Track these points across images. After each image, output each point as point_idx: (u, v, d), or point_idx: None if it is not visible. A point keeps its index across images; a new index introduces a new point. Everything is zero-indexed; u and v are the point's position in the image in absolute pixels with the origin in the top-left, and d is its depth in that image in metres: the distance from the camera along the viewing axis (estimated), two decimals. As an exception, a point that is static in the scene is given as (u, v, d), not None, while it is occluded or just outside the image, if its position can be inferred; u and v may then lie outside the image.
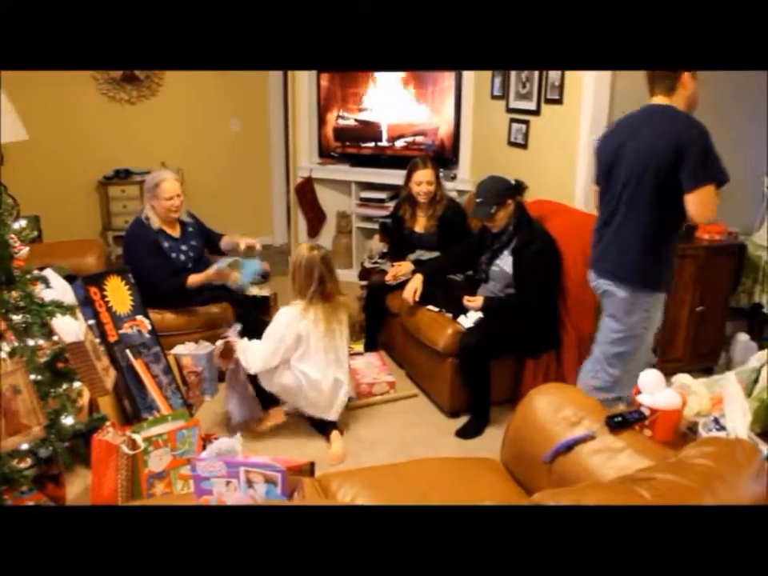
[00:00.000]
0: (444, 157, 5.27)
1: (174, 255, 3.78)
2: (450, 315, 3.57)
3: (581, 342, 3.51)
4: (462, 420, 3.47)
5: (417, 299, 3.68)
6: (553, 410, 2.17)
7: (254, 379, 3.22)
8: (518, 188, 3.47)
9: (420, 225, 4.20)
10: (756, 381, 2.24)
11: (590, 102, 3.85)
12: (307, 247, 3.23)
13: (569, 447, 2.02)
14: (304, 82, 5.71)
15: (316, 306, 3.18)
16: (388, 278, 4.01)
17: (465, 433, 3.36)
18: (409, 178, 4.10)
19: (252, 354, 3.14)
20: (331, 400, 3.28)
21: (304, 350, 3.19)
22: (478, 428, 3.38)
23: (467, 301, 3.45)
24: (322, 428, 3.33)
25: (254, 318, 3.72)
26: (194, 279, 3.70)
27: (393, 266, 4.10)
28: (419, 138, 5.38)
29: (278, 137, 6.76)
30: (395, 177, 5.08)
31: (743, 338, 4.19)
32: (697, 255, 3.82)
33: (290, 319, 3.15)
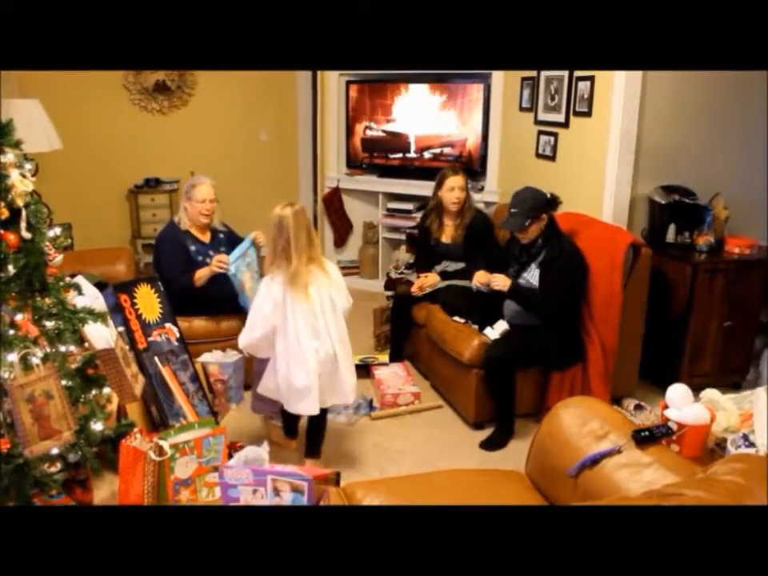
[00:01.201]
0: (471, 168, 5.28)
1: (200, 258, 3.81)
2: (476, 327, 3.57)
3: (606, 355, 3.49)
4: (487, 432, 3.46)
5: (421, 292, 4.00)
6: (579, 423, 2.15)
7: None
8: (554, 202, 3.46)
9: (447, 235, 4.18)
10: (786, 397, 2.22)
11: (620, 114, 3.84)
12: (281, 205, 2.89)
13: (595, 461, 2.01)
14: (333, 92, 5.76)
15: (290, 266, 2.83)
16: (414, 289, 4.03)
17: (489, 445, 3.35)
18: (440, 185, 4.10)
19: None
20: (334, 379, 2.95)
21: (282, 318, 2.85)
22: (503, 440, 3.36)
23: (494, 279, 3.45)
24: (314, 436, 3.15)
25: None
26: (201, 273, 3.68)
27: (419, 277, 4.11)
28: (447, 150, 5.39)
29: (306, 147, 6.81)
30: (422, 188, 5.11)
31: (773, 353, 4.14)
32: (726, 269, 3.79)
33: (265, 285, 2.89)
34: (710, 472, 1.55)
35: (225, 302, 3.79)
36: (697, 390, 3.80)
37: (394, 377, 3.91)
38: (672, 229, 3.89)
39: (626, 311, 3.51)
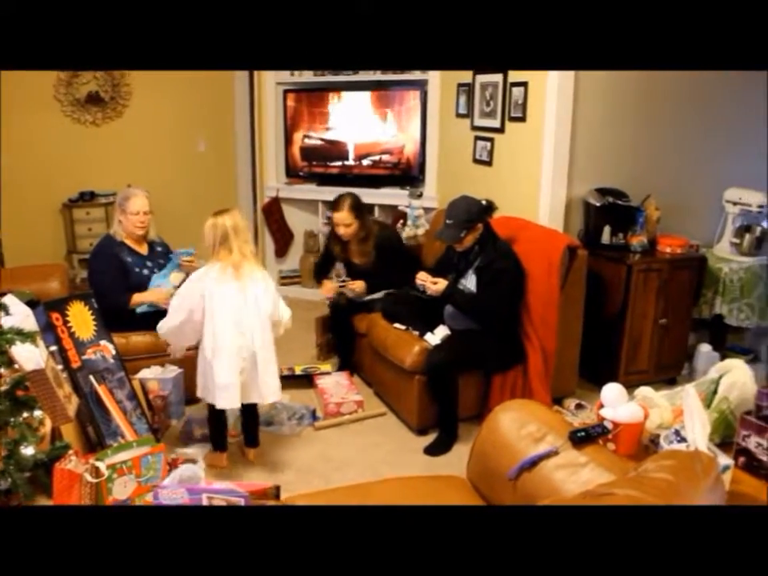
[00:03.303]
0: (410, 175, 5.31)
1: (137, 270, 3.74)
2: (416, 333, 3.58)
3: (546, 356, 3.54)
4: (431, 437, 3.47)
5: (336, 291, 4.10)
6: (517, 426, 2.17)
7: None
8: (489, 209, 3.48)
9: (356, 256, 4.20)
10: (715, 392, 2.28)
11: (553, 119, 3.90)
12: (215, 212, 3.15)
13: (533, 463, 2.03)
14: (270, 101, 5.72)
15: (219, 266, 2.98)
16: (323, 291, 4.18)
17: (433, 450, 3.36)
18: (331, 218, 4.19)
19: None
20: (255, 378, 3.02)
21: (209, 314, 2.95)
22: (447, 445, 3.37)
23: (431, 282, 3.45)
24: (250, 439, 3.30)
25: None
26: (138, 298, 3.65)
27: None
28: (385, 157, 5.41)
29: (245, 157, 6.74)
30: (362, 196, 5.09)
31: (705, 348, 4.25)
32: (660, 269, 3.88)
33: (195, 278, 3.02)
34: (641, 470, 1.58)
35: (163, 316, 3.72)
36: (634, 386, 3.85)
37: (337, 386, 3.89)
38: (607, 230, 3.97)
39: (564, 312, 3.57)
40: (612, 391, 2.23)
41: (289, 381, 4.02)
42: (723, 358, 4.46)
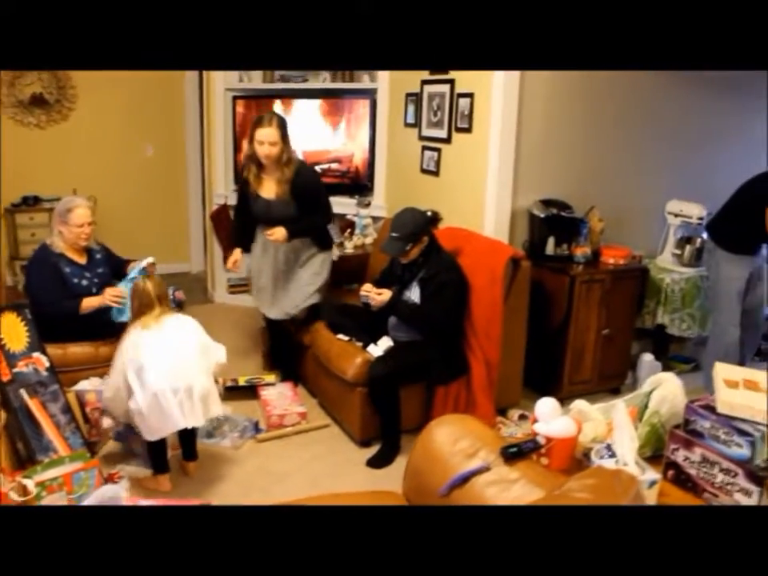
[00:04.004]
0: (359, 183, 5.29)
1: (75, 281, 3.66)
2: (360, 344, 3.56)
3: (490, 367, 3.54)
4: (374, 449, 3.45)
5: (237, 268, 3.94)
6: (450, 441, 2.16)
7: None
8: (434, 221, 3.49)
9: (269, 190, 3.82)
10: (647, 406, 2.30)
11: (498, 130, 3.92)
12: (144, 277, 3.27)
13: (465, 479, 2.02)
14: (219, 107, 5.66)
15: (143, 321, 3.01)
16: (229, 265, 3.97)
17: (375, 462, 3.34)
18: (251, 136, 3.71)
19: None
20: (192, 406, 2.97)
21: (142, 362, 2.91)
22: (389, 457, 3.36)
23: (375, 294, 3.42)
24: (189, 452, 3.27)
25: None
26: (88, 302, 3.57)
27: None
28: (335, 165, 5.38)
29: (195, 163, 6.67)
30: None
31: (648, 357, 4.31)
32: (602, 279, 3.92)
33: (126, 339, 3.02)
34: (565, 488, 1.58)
35: (104, 326, 3.65)
36: (577, 396, 3.90)
37: (281, 397, 3.85)
38: (551, 241, 4.00)
39: (508, 323, 3.59)
40: (545, 406, 2.23)
41: (233, 392, 3.98)
42: (666, 367, 4.56)
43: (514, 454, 2.02)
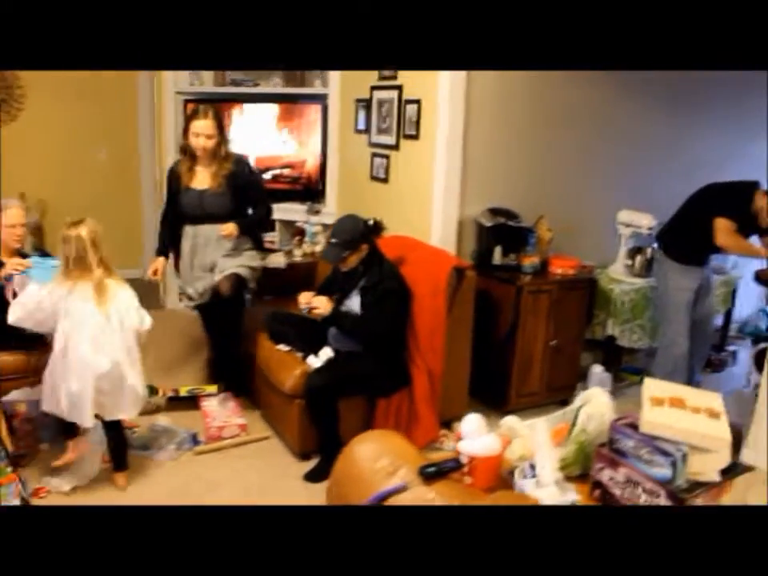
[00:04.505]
0: (311, 190, 5.21)
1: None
2: (300, 355, 3.47)
3: (433, 379, 3.48)
4: (314, 462, 3.36)
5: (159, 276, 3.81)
6: (371, 458, 2.09)
7: None
8: (375, 229, 3.41)
9: (202, 182, 3.68)
10: (576, 423, 2.24)
11: (445, 137, 3.87)
12: (69, 223, 2.98)
13: (381, 499, 1.94)
14: (170, 111, 5.55)
15: (77, 281, 2.88)
16: (150, 273, 3.82)
17: (313, 476, 3.25)
18: (187, 128, 3.64)
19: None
20: (114, 394, 2.95)
21: (63, 331, 2.87)
22: (326, 471, 3.23)
23: (315, 303, 3.34)
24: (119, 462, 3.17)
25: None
26: None
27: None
28: (286, 171, 5.30)
29: (149, 166, 6.54)
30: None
31: (598, 369, 4.27)
32: (550, 290, 3.87)
33: (52, 284, 2.89)
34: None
35: (37, 336, 3.52)
36: (526, 408, 3.89)
37: (222, 408, 3.75)
38: (498, 251, 3.94)
39: (453, 334, 3.53)
40: (470, 423, 2.17)
41: (174, 403, 3.88)
42: (617, 378, 4.53)
43: (432, 474, 1.95)
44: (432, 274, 3.44)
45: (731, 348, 5.16)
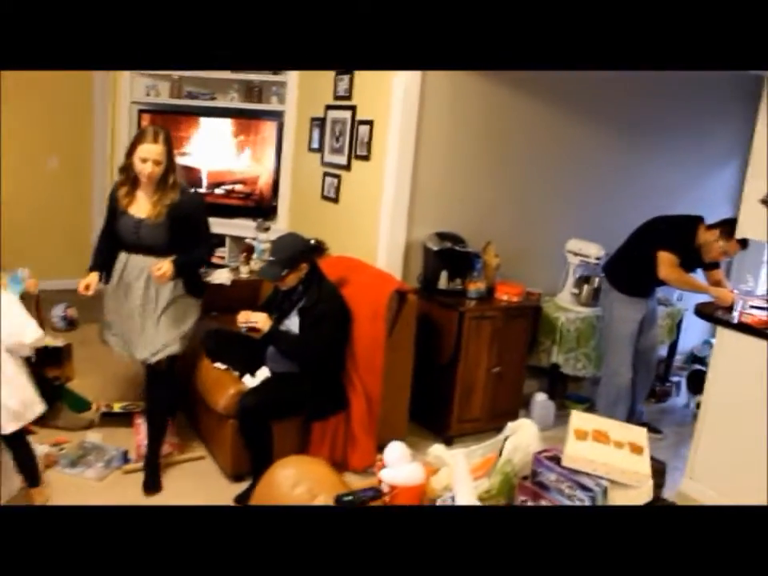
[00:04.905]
0: (263, 206, 5.16)
1: None
2: (237, 374, 3.41)
3: (371, 403, 3.43)
4: (246, 484, 3.29)
5: (88, 292, 3.26)
6: (291, 484, 2.03)
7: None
8: (316, 250, 3.37)
9: (140, 209, 3.26)
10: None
11: (395, 159, 3.85)
12: None
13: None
14: (124, 121, 5.48)
15: None
16: (81, 289, 3.29)
17: (244, 499, 3.17)
18: (132, 150, 3.19)
19: None
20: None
21: None
22: (258, 495, 3.20)
23: (253, 319, 3.26)
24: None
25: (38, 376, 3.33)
26: None
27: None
28: (239, 187, 5.25)
29: (101, 177, 6.43)
30: (213, 226, 4.90)
31: (541, 397, 4.26)
32: (493, 316, 3.86)
33: None
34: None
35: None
36: (467, 434, 3.86)
37: (155, 426, 3.65)
38: (444, 275, 3.93)
39: (393, 358, 3.49)
40: (394, 451, 2.12)
41: (107, 419, 3.78)
42: (561, 406, 4.53)
43: (349, 502, 1.90)
44: (373, 297, 3.41)
45: (675, 379, 5.20)
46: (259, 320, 3.27)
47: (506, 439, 2.23)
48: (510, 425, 2.33)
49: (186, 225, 3.27)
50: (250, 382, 3.31)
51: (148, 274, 3.24)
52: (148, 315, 3.29)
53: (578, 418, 2.15)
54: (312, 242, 3.34)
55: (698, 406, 3.94)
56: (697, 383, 4.75)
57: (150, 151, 3.16)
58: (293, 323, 3.32)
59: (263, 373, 3.37)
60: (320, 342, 3.25)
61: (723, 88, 5.00)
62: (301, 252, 3.24)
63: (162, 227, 3.23)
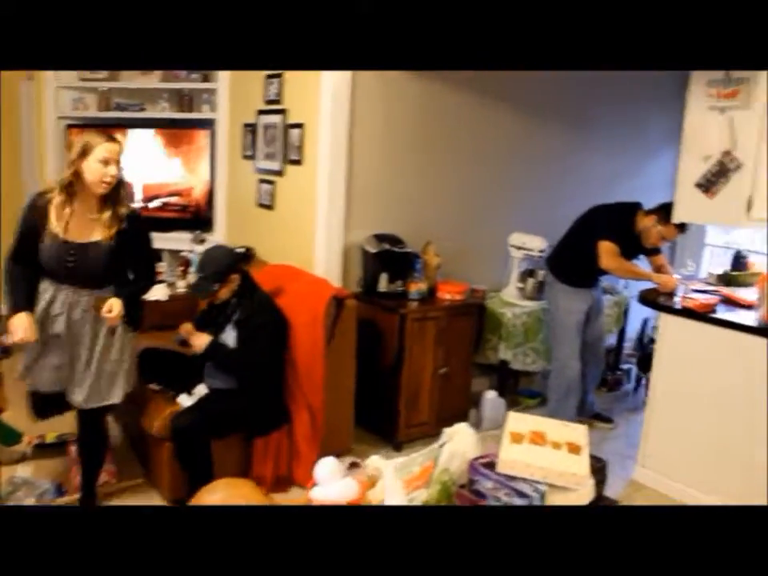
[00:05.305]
0: (200, 218, 5.02)
1: None
2: (172, 393, 3.28)
3: (314, 413, 3.34)
4: (189, 509, 3.16)
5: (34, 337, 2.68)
6: (217, 511, 1.93)
7: None
8: (245, 258, 3.26)
9: (81, 232, 2.69)
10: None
11: (328, 161, 3.76)
12: None
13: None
14: (50, 136, 5.29)
15: None
16: (15, 340, 2.72)
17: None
18: (85, 153, 2.61)
19: None
20: None
21: None
22: (199, 518, 3.07)
23: (191, 335, 3.15)
24: None
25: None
26: None
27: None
28: (174, 199, 5.10)
29: (31, 193, 6.20)
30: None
31: (491, 395, 4.20)
32: (436, 317, 3.78)
33: None
34: None
35: None
36: (417, 439, 3.78)
37: (92, 454, 3.50)
38: (384, 278, 3.84)
39: (335, 366, 3.40)
40: (324, 468, 2.03)
41: (41, 451, 3.61)
42: (513, 402, 4.48)
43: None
44: (310, 305, 3.31)
45: (626, 367, 5.18)
46: (197, 341, 3.15)
47: (441, 446, 2.15)
48: (446, 431, 2.25)
49: (133, 247, 2.80)
50: (186, 401, 3.18)
51: (86, 312, 2.75)
52: (85, 359, 2.80)
53: (515, 420, 2.07)
54: (239, 250, 3.23)
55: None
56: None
57: (113, 150, 2.66)
58: (229, 337, 3.20)
59: (200, 390, 3.25)
60: (258, 355, 3.14)
61: (652, 76, 5.01)
62: (229, 264, 3.13)
63: (107, 253, 2.71)
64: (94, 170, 2.63)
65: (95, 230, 2.71)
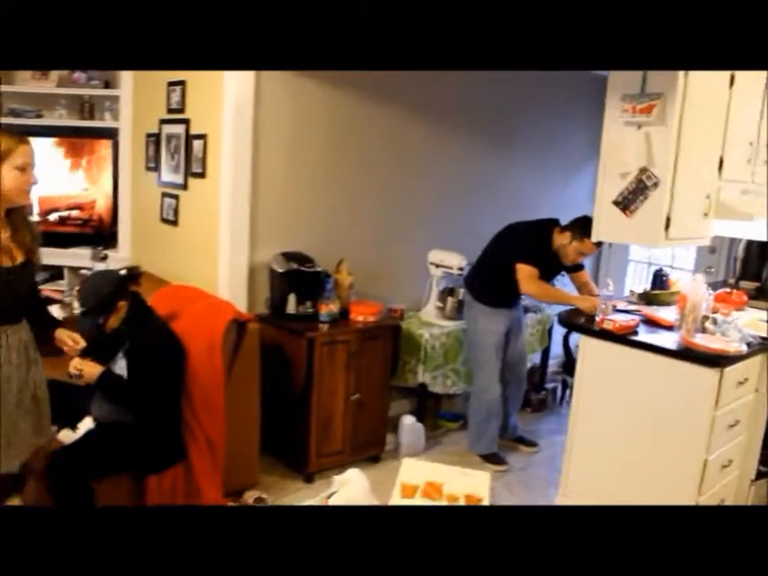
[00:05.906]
0: (103, 233, 4.71)
1: None
2: (55, 428, 2.98)
3: (214, 446, 3.07)
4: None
5: None
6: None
7: None
8: (130, 279, 2.96)
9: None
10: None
11: (230, 174, 3.53)
12: None
13: None
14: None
15: None
16: None
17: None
18: None
19: None
20: None
21: None
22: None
23: (81, 366, 2.79)
24: None
25: None
26: None
27: None
28: (75, 213, 4.77)
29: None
30: (49, 255, 4.42)
31: (409, 420, 4.01)
32: (347, 340, 3.57)
33: None
34: None
35: None
36: (328, 470, 3.56)
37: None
38: (292, 299, 3.61)
39: (237, 395, 3.16)
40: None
41: None
42: (434, 426, 4.31)
43: None
44: (207, 329, 3.06)
45: (550, 386, 5.07)
46: (88, 371, 2.85)
47: (329, 497, 1.95)
48: (337, 478, 2.06)
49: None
50: (69, 437, 2.90)
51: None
52: (11, 409, 2.47)
53: (410, 469, 1.88)
54: (122, 272, 2.95)
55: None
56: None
57: (29, 154, 2.29)
58: (120, 367, 2.92)
59: (86, 425, 2.97)
60: (149, 387, 2.86)
61: (576, 89, 4.93)
62: (111, 292, 2.83)
63: (25, 276, 2.41)
64: (11, 181, 2.25)
65: (15, 252, 2.36)
